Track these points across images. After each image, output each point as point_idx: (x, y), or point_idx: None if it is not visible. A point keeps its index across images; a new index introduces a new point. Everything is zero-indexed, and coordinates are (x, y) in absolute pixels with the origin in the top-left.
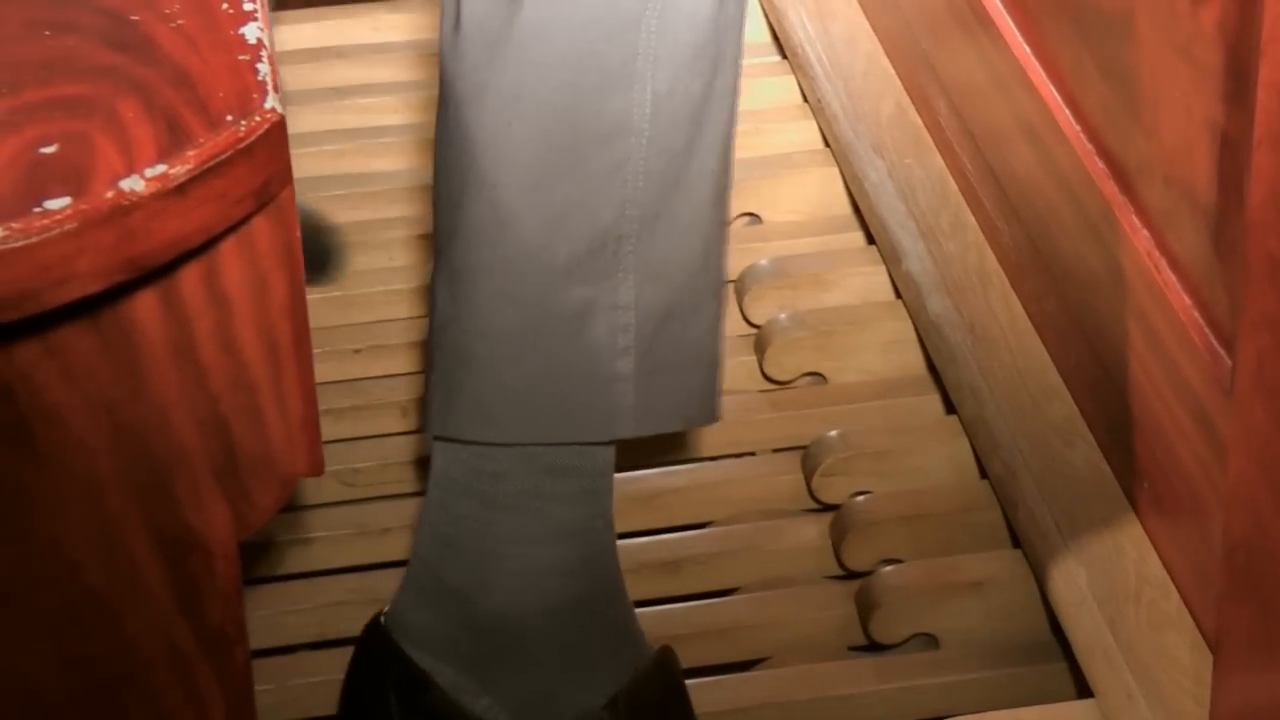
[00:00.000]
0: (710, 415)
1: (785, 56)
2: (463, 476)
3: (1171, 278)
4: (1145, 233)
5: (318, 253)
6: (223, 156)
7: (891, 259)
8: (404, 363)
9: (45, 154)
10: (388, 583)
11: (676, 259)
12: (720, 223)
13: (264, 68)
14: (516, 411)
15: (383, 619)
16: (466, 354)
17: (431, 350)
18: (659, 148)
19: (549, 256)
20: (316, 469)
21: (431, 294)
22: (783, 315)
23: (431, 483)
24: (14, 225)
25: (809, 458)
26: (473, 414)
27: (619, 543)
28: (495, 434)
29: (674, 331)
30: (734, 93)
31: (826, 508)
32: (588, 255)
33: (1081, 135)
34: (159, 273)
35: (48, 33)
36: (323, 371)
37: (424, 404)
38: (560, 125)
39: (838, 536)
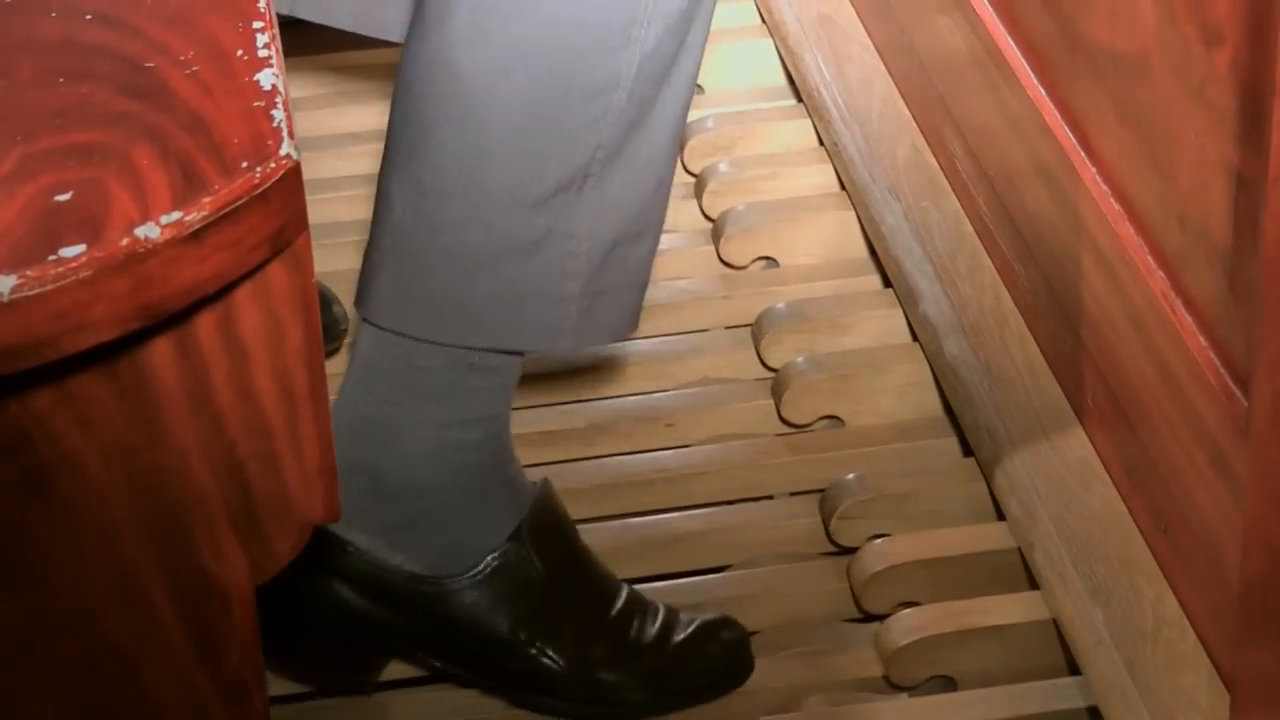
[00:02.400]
0: (634, 326)
1: (801, 100)
2: (392, 366)
3: (1187, 318)
4: (1161, 274)
5: (326, 323)
6: (238, 203)
7: (908, 301)
8: None
9: (60, 201)
10: None
11: (630, 193)
12: (673, 159)
13: (279, 114)
14: (469, 321)
15: None
16: (426, 264)
17: (384, 249)
18: (635, 99)
19: (522, 192)
20: (333, 515)
21: (386, 196)
22: (800, 359)
23: (356, 364)
24: (29, 273)
25: (827, 501)
26: (425, 316)
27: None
28: (445, 337)
29: (619, 257)
30: (702, 45)
31: (844, 551)
32: (556, 191)
33: (1097, 177)
34: (174, 320)
35: (62, 80)
36: None
37: (367, 290)
38: (555, 79)
39: (856, 579)
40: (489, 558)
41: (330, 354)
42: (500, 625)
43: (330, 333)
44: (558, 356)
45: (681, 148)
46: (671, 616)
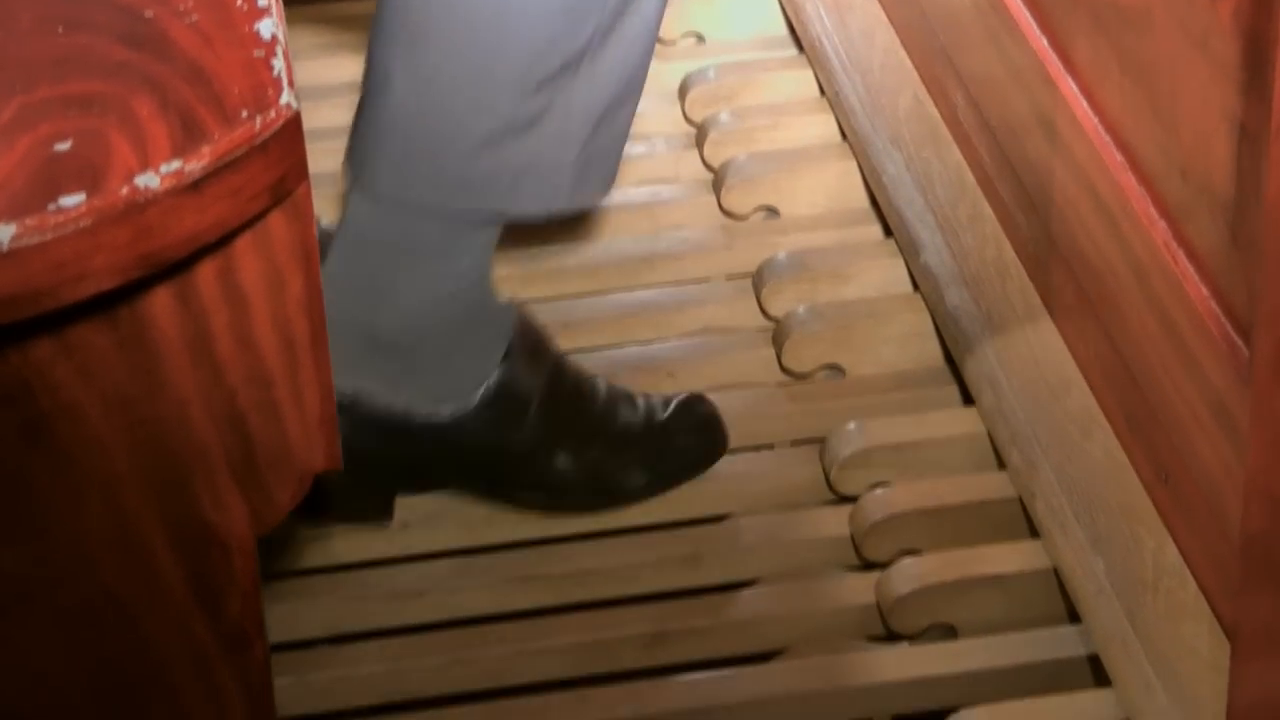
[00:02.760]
0: (613, 182)
1: (803, 50)
2: (389, 233)
3: (1189, 269)
4: (1163, 224)
5: None
6: (238, 153)
7: (909, 251)
8: None
9: (59, 151)
10: (407, 577)
11: (620, 66)
12: (657, 27)
13: (279, 63)
14: (470, 192)
15: None
16: (429, 143)
17: (383, 126)
18: None
19: (526, 78)
20: (334, 464)
21: (385, 74)
22: (801, 308)
23: (348, 232)
24: (29, 223)
25: (827, 450)
26: (427, 188)
27: (639, 537)
28: (446, 206)
29: (607, 124)
30: None
31: (845, 500)
32: (558, 73)
33: (1099, 127)
34: (175, 269)
35: (61, 30)
36: None
37: (365, 163)
38: None
39: (857, 528)
40: (488, 382)
41: None
42: (509, 447)
43: None
44: (562, 313)
45: (683, 97)
46: (648, 402)
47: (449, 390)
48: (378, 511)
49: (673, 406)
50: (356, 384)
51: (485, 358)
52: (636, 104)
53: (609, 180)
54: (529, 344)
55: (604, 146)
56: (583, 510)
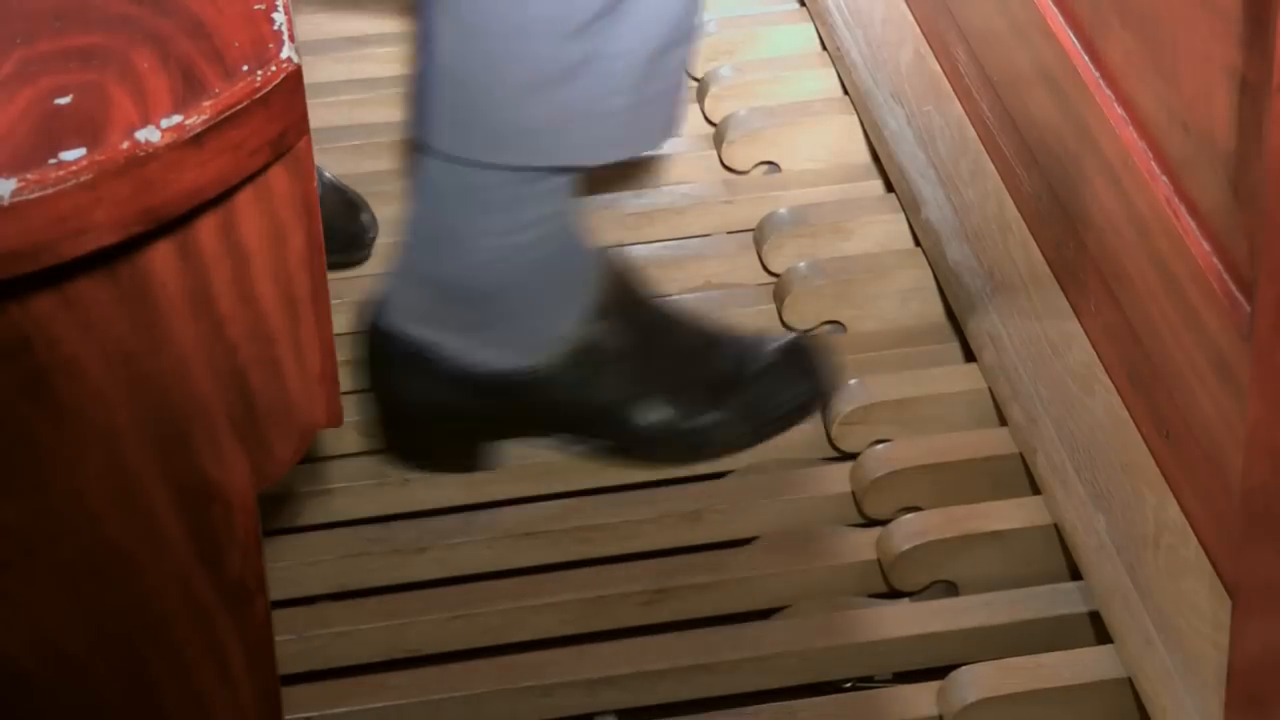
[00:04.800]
0: (677, 127)
1: (804, 4)
2: (455, 188)
3: (1190, 224)
4: (1164, 179)
5: (355, 232)
6: (239, 107)
7: (911, 207)
8: None
9: (60, 105)
10: (408, 533)
11: (660, 8)
12: None
13: (280, 17)
14: (524, 143)
15: (379, 312)
16: (477, 95)
17: (439, 82)
18: None
19: (562, 24)
20: (335, 420)
21: (434, 33)
22: (802, 264)
23: (420, 189)
24: (29, 177)
25: (828, 406)
26: (482, 141)
27: (640, 493)
28: (502, 158)
29: (660, 67)
30: None
31: (846, 456)
32: (595, 18)
33: (1101, 82)
34: (176, 224)
35: None
36: (341, 323)
37: (427, 120)
38: None
39: (858, 485)
40: (570, 340)
41: (360, 261)
42: (594, 399)
43: (359, 241)
44: None
45: None
46: (746, 345)
47: (529, 347)
48: (463, 461)
49: (777, 351)
50: (437, 334)
51: (566, 313)
52: (688, 49)
53: (667, 128)
54: (618, 294)
55: (657, 92)
56: (673, 463)
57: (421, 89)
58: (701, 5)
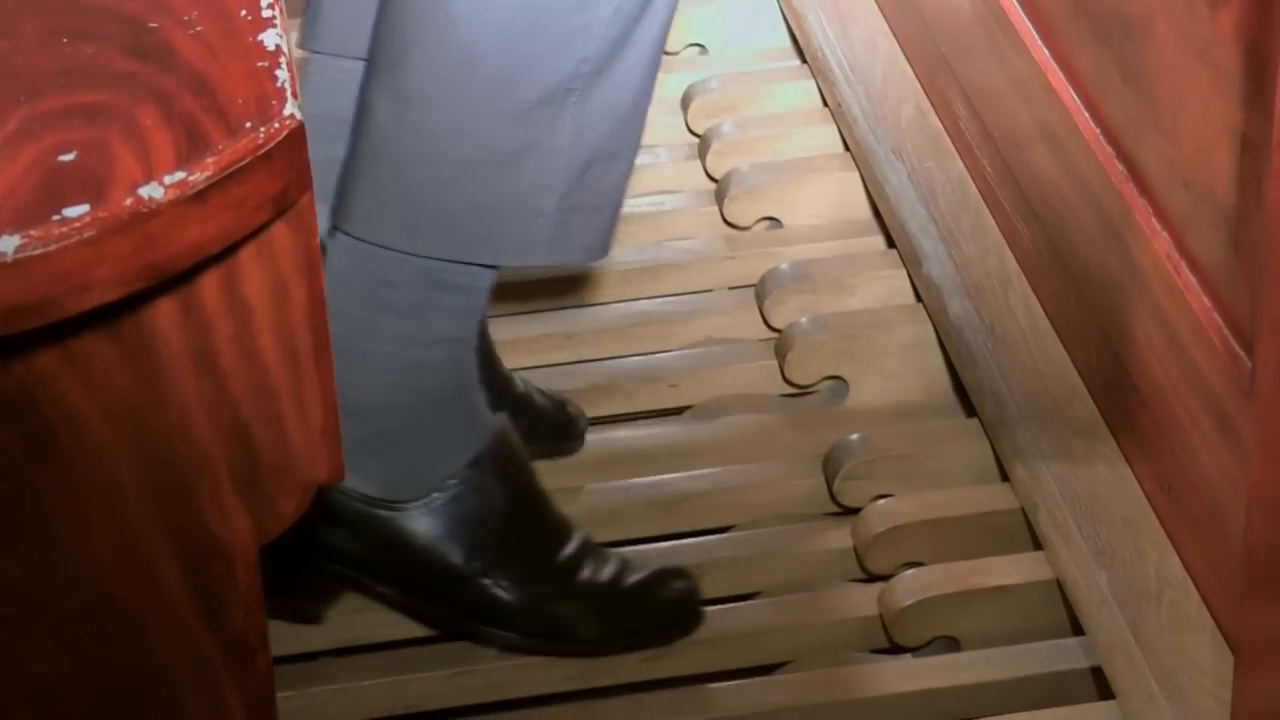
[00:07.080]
0: (605, 251)
1: (805, 61)
2: (363, 281)
3: (1191, 279)
4: (1165, 235)
5: (564, 421)
6: (242, 163)
7: (912, 262)
8: None
9: (64, 162)
10: None
11: (610, 111)
12: (652, 78)
13: (283, 74)
14: (443, 232)
15: None
16: (405, 172)
17: (364, 158)
18: (621, 15)
19: (506, 101)
20: (338, 475)
21: (369, 106)
22: (804, 319)
23: (327, 278)
24: (33, 233)
25: (830, 462)
26: (400, 226)
27: (642, 548)
28: (419, 248)
29: (595, 175)
30: None
31: (848, 511)
32: (539, 103)
33: (1101, 138)
34: (178, 280)
35: (65, 40)
36: None
37: (342, 200)
38: None
39: (860, 540)
40: (447, 483)
41: (575, 450)
42: (454, 553)
43: (571, 430)
44: (565, 323)
45: (685, 108)
46: (625, 564)
47: (404, 479)
48: (307, 596)
49: (646, 573)
50: None
51: (450, 454)
52: (629, 165)
53: (594, 247)
54: (505, 456)
55: (588, 202)
56: (528, 652)
57: (347, 165)
58: (642, 126)
